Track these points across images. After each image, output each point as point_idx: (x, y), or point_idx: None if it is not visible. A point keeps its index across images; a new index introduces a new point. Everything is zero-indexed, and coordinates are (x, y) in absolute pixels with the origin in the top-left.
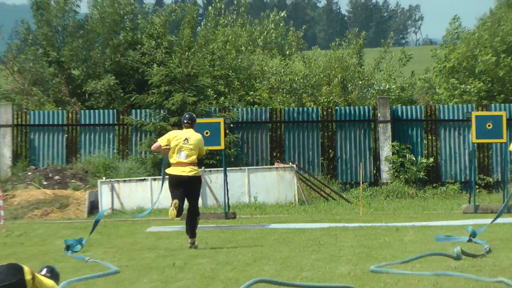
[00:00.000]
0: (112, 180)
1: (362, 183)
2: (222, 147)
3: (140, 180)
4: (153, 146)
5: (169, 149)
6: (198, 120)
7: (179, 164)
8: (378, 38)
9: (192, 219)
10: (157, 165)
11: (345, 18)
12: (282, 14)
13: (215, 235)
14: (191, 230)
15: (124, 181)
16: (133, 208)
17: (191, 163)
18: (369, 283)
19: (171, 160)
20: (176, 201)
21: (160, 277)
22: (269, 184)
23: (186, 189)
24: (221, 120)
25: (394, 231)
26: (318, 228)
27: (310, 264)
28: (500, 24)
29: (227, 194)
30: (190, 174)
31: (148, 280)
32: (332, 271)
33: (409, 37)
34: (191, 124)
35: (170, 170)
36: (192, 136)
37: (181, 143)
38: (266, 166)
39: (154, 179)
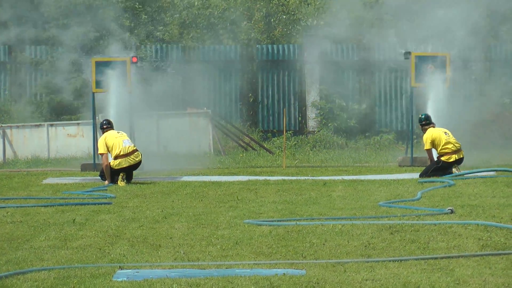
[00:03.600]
0: (3, 125)
1: (286, 131)
2: None
3: (35, 126)
4: None
5: None
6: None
7: None
8: None
9: None
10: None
11: None
12: None
13: (120, 188)
14: None
15: (17, 127)
16: (27, 157)
17: None
18: (293, 243)
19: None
20: None
21: (58, 234)
22: (181, 131)
23: None
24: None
25: (321, 186)
26: (236, 181)
27: (227, 221)
28: None
29: None
30: None
31: (45, 237)
32: (251, 229)
33: None
34: None
35: None
36: None
37: None
38: (178, 111)
39: (51, 125)
